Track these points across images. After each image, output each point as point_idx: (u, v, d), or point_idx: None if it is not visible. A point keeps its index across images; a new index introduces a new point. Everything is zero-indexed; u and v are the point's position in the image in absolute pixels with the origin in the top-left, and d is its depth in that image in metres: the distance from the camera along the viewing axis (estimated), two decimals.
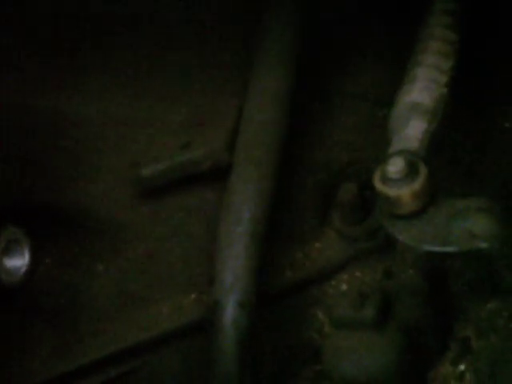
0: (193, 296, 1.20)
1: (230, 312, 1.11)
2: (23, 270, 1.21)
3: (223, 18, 1.20)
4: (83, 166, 1.19)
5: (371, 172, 1.04)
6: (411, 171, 0.99)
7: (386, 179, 0.99)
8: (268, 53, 1.17)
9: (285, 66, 1.17)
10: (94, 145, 1.18)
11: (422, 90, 1.06)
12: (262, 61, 1.17)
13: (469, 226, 0.98)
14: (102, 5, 1.15)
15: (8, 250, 1.18)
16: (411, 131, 1.04)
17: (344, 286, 1.22)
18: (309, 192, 1.23)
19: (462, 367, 1.18)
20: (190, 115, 1.20)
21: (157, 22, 1.18)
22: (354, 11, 1.22)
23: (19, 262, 1.19)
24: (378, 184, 1.00)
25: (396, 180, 0.99)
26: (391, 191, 0.99)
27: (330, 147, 1.24)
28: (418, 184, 0.98)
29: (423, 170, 0.99)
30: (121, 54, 1.18)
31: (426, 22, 1.13)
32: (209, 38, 1.20)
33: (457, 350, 1.19)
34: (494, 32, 1.18)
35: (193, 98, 1.21)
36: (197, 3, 1.19)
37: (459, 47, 1.11)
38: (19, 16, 1.14)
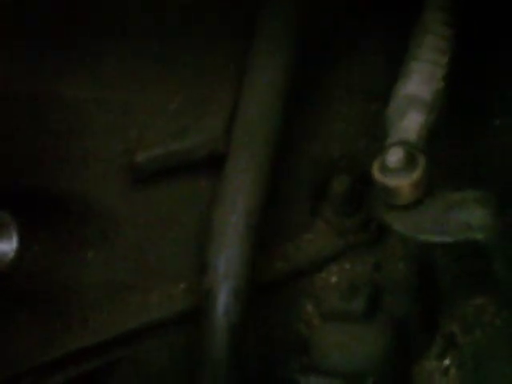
0: (182, 285, 1.19)
1: (223, 300, 1.11)
2: (11, 255, 1.17)
3: (222, 5, 1.19)
4: (74, 150, 1.17)
5: (363, 165, 1.07)
6: (410, 162, 1.00)
7: (384, 169, 1.01)
8: (266, 42, 1.17)
9: (283, 55, 1.17)
10: (87, 129, 1.17)
11: (419, 84, 1.08)
12: (260, 50, 1.17)
13: (465, 217, 1.00)
14: None
15: None
16: (409, 123, 1.05)
17: (334, 278, 1.22)
18: (300, 184, 1.23)
19: (447, 362, 1.20)
20: (185, 103, 1.19)
21: (154, 6, 1.17)
22: (351, 4, 1.22)
23: (7, 246, 1.15)
24: (376, 174, 1.01)
25: (395, 170, 1.00)
26: (390, 181, 1.00)
27: (322, 139, 1.24)
28: (416, 175, 1.00)
29: (422, 161, 1.01)
30: (117, 40, 1.16)
31: (422, 17, 1.15)
32: (207, 25, 1.19)
33: (442, 345, 1.21)
34: (486, 28, 1.19)
35: (189, 85, 1.20)
36: None
37: (454, 42, 1.13)
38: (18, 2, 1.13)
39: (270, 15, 1.18)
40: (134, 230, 1.20)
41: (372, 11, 1.23)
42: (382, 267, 1.22)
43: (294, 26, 1.18)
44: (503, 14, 1.18)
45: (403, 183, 1.00)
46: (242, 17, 1.19)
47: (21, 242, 1.15)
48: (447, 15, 1.14)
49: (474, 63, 1.20)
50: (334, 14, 1.23)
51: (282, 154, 1.19)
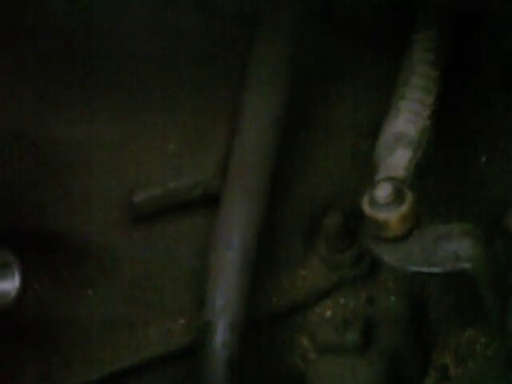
0: (181, 321, 1.21)
1: (220, 334, 1.13)
2: (13, 294, 1.18)
3: (214, 47, 1.21)
4: (75, 190, 1.19)
5: (355, 201, 1.08)
6: (398, 196, 1.03)
7: (374, 204, 1.03)
8: (259, 81, 1.19)
9: (276, 95, 1.19)
10: (86, 169, 1.19)
11: (407, 122, 1.11)
12: (253, 89, 1.19)
13: (453, 248, 1.02)
14: (95, 29, 1.16)
15: None
16: (397, 160, 1.08)
17: (328, 313, 1.25)
18: (295, 220, 1.26)
19: None
20: (182, 143, 1.21)
21: (150, 50, 1.19)
22: (342, 41, 1.25)
23: (10, 285, 1.16)
24: (366, 208, 1.04)
25: (384, 204, 1.03)
26: (379, 215, 1.03)
27: (315, 177, 1.26)
28: (405, 208, 1.02)
29: (409, 196, 1.03)
30: (114, 80, 1.18)
31: (409, 57, 1.18)
32: (201, 67, 1.21)
33: (435, 377, 1.23)
34: (472, 68, 1.23)
35: (185, 125, 1.22)
36: (189, 33, 1.20)
37: (440, 83, 1.16)
38: (12, 40, 1.14)
39: (261, 56, 1.20)
40: (133, 266, 1.21)
41: (360, 50, 1.26)
42: (374, 301, 1.24)
43: (286, 66, 1.20)
44: (489, 53, 1.22)
45: (392, 217, 1.02)
46: (235, 58, 1.21)
47: (23, 280, 1.16)
48: (433, 56, 1.17)
49: (460, 102, 1.24)
50: (322, 54, 1.25)
51: (276, 191, 1.21)
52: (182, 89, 1.21)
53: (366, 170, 1.14)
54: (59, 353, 1.19)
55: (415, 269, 1.03)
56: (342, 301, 1.25)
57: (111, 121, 1.19)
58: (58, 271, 1.20)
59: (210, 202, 1.20)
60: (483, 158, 1.26)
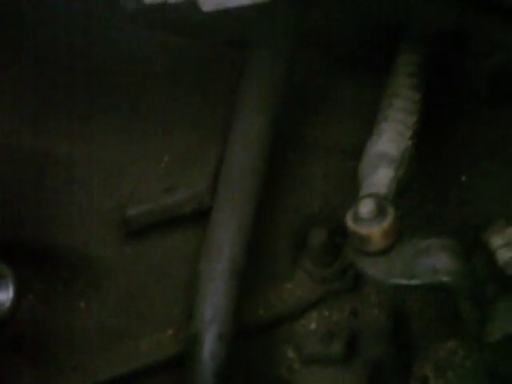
0: (170, 332, 1.23)
1: (209, 344, 1.15)
2: (7, 305, 1.16)
3: (206, 65, 1.24)
4: (70, 204, 1.20)
5: (340, 218, 1.11)
6: (380, 212, 1.06)
7: (357, 219, 1.07)
8: (249, 102, 1.23)
9: (265, 115, 1.22)
10: (81, 186, 1.21)
11: (389, 142, 1.15)
12: (244, 109, 1.22)
13: (432, 262, 1.05)
14: (90, 49, 1.18)
15: None
16: (380, 178, 1.12)
17: (313, 325, 1.27)
18: (281, 235, 1.29)
19: None
20: (173, 160, 1.24)
21: (143, 68, 1.22)
22: (326, 65, 1.28)
23: (3, 296, 1.16)
24: (350, 223, 1.07)
25: (367, 220, 1.06)
26: (362, 230, 1.06)
27: (302, 194, 1.29)
28: (386, 223, 1.06)
29: (391, 212, 1.07)
30: (108, 99, 1.21)
31: (392, 81, 1.22)
32: (192, 85, 1.24)
33: None
34: (455, 89, 1.26)
35: (177, 143, 1.24)
36: (180, 51, 1.23)
37: (422, 105, 1.20)
38: (11, 54, 1.15)
39: (252, 78, 1.23)
40: (126, 279, 1.23)
41: (345, 74, 1.29)
42: (358, 313, 1.27)
43: (276, 89, 1.23)
44: (472, 73, 1.26)
45: (374, 231, 1.06)
46: (227, 79, 1.24)
47: (17, 292, 1.16)
48: (415, 80, 1.21)
49: (443, 122, 1.27)
50: (310, 78, 1.29)
51: (264, 207, 1.24)
52: (175, 108, 1.24)
53: (350, 189, 1.18)
54: (51, 363, 1.20)
55: (396, 281, 1.06)
56: (326, 313, 1.28)
57: (107, 138, 1.22)
58: (52, 283, 1.22)
59: (201, 216, 1.23)
60: (463, 178, 1.30)
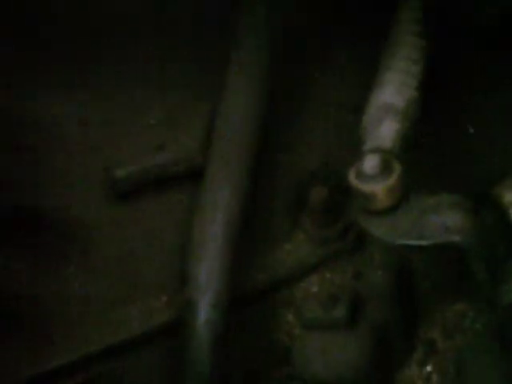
0: (164, 298, 1.20)
1: (203, 311, 1.12)
2: None
3: (198, 23, 1.21)
4: (53, 168, 1.19)
5: (341, 175, 1.08)
6: (385, 168, 1.02)
7: (361, 176, 1.03)
8: (243, 58, 1.19)
9: (259, 69, 1.19)
10: (65, 146, 1.18)
11: (394, 93, 1.10)
12: (237, 64, 1.19)
13: (442, 220, 1.01)
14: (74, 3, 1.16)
15: None
16: (384, 131, 1.07)
17: (314, 288, 1.24)
18: (279, 195, 1.25)
19: (429, 368, 1.20)
20: (163, 117, 1.21)
21: (132, 23, 1.19)
22: (326, 16, 1.25)
23: None
24: (353, 180, 1.03)
25: (371, 176, 1.02)
26: (366, 187, 1.02)
27: (300, 151, 1.26)
28: (392, 180, 1.02)
29: (397, 167, 1.02)
30: (93, 55, 1.18)
31: (395, 28, 1.17)
32: (183, 41, 1.21)
33: (423, 352, 1.22)
34: (460, 38, 1.22)
35: (166, 100, 1.22)
36: (172, 8, 1.21)
37: (427, 53, 1.15)
38: None
39: (246, 34, 1.20)
40: (115, 244, 1.21)
41: (345, 23, 1.26)
42: (361, 275, 1.23)
43: (270, 43, 1.20)
44: (477, 25, 1.21)
45: (379, 189, 1.01)
46: (219, 32, 1.21)
47: (2, 260, 1.16)
48: (420, 26, 1.16)
49: (449, 73, 1.23)
50: (308, 30, 1.25)
51: (261, 166, 1.21)
52: (165, 63, 1.22)
53: (351, 144, 1.13)
54: (40, 332, 1.18)
55: (403, 241, 1.02)
56: (328, 276, 1.24)
57: (91, 96, 1.19)
58: (38, 250, 1.19)
59: (193, 177, 1.20)
60: (471, 130, 1.25)
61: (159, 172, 1.20)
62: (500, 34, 1.20)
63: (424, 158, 1.24)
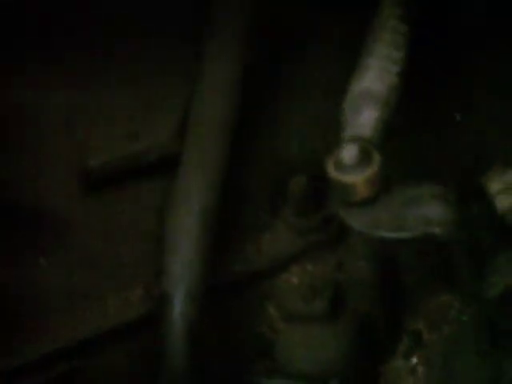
0: (140, 290, 1.19)
1: (178, 303, 1.10)
2: None
3: (172, 10, 1.19)
4: (23, 157, 1.16)
5: (321, 163, 1.05)
6: (365, 158, 1.00)
7: (339, 166, 1.00)
8: (218, 44, 1.17)
9: (235, 54, 1.16)
10: (35, 136, 1.16)
11: (375, 79, 1.07)
12: (211, 50, 1.17)
13: (423, 212, 0.99)
14: None
15: None
16: (364, 119, 1.04)
17: (295, 279, 1.21)
18: (258, 184, 1.23)
19: (414, 360, 1.19)
20: (137, 105, 1.19)
21: (106, 11, 1.16)
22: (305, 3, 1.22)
23: None
24: (331, 171, 1.00)
25: (350, 167, 0.99)
26: (345, 178, 0.99)
27: (280, 140, 1.24)
28: (371, 171, 0.99)
29: (377, 157, 1.00)
30: (66, 39, 1.16)
31: (378, 13, 1.14)
32: (156, 28, 1.19)
33: (408, 344, 1.20)
34: (443, 24, 1.20)
35: (140, 87, 1.19)
36: None
37: (410, 38, 1.12)
38: None
39: (221, 19, 1.17)
40: (89, 235, 1.19)
41: (329, 8, 1.22)
42: (343, 266, 1.21)
43: (247, 28, 1.17)
44: (462, 9, 1.19)
45: (358, 179, 0.99)
46: (193, 17, 1.19)
47: None
48: (403, 11, 1.13)
49: (433, 59, 1.21)
50: (286, 14, 1.22)
51: (239, 154, 1.19)
52: (140, 51, 1.19)
53: (331, 131, 1.11)
54: (13, 325, 1.15)
55: (383, 234, 1.00)
56: (309, 267, 1.22)
57: (62, 83, 1.16)
58: (12, 241, 1.17)
59: (169, 165, 1.17)
60: (458, 117, 1.23)
61: (133, 160, 1.17)
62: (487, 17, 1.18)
63: (408, 146, 1.22)
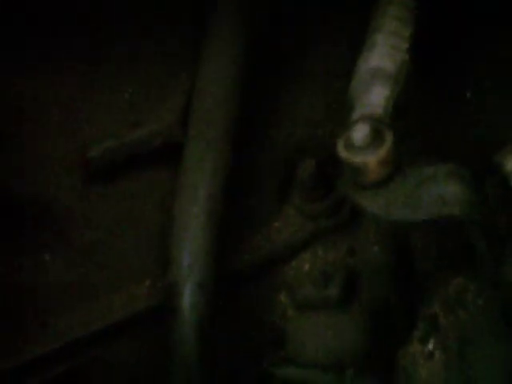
0: (147, 283, 1.17)
1: (188, 294, 1.08)
2: None
3: None
4: (22, 149, 1.15)
5: (331, 146, 1.03)
6: (377, 138, 0.97)
7: (350, 147, 0.98)
8: (221, 29, 1.16)
9: (239, 41, 1.15)
10: (34, 127, 1.15)
11: (383, 56, 1.05)
12: (215, 37, 1.15)
13: (439, 192, 0.96)
14: None
15: None
16: (374, 97, 1.02)
17: (306, 266, 1.20)
18: (266, 170, 1.21)
19: (431, 346, 1.17)
20: (138, 92, 1.18)
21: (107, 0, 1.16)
22: None
23: None
24: (342, 152, 0.98)
25: (361, 147, 0.97)
26: (357, 159, 0.97)
27: (287, 124, 1.22)
28: (384, 151, 0.97)
29: (389, 137, 0.97)
30: (66, 27, 1.15)
31: None
32: (163, 13, 1.18)
33: (424, 329, 1.18)
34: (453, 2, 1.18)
35: (141, 73, 1.18)
36: None
37: (418, 13, 1.10)
38: None
39: (225, 5, 1.16)
40: (93, 228, 1.17)
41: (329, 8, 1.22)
42: (356, 251, 1.19)
43: (251, 14, 1.16)
44: None
45: (370, 160, 0.96)
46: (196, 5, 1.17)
47: None
48: None
49: (443, 36, 1.17)
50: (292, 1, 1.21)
51: (247, 140, 1.17)
52: (142, 37, 1.18)
53: (340, 113, 1.09)
54: (17, 322, 1.15)
55: (398, 216, 0.98)
56: (320, 253, 1.20)
57: (61, 70, 1.15)
58: (14, 236, 1.16)
59: (172, 153, 1.16)
60: (468, 94, 1.20)
61: (135, 148, 1.16)
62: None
63: (418, 125, 1.19)
